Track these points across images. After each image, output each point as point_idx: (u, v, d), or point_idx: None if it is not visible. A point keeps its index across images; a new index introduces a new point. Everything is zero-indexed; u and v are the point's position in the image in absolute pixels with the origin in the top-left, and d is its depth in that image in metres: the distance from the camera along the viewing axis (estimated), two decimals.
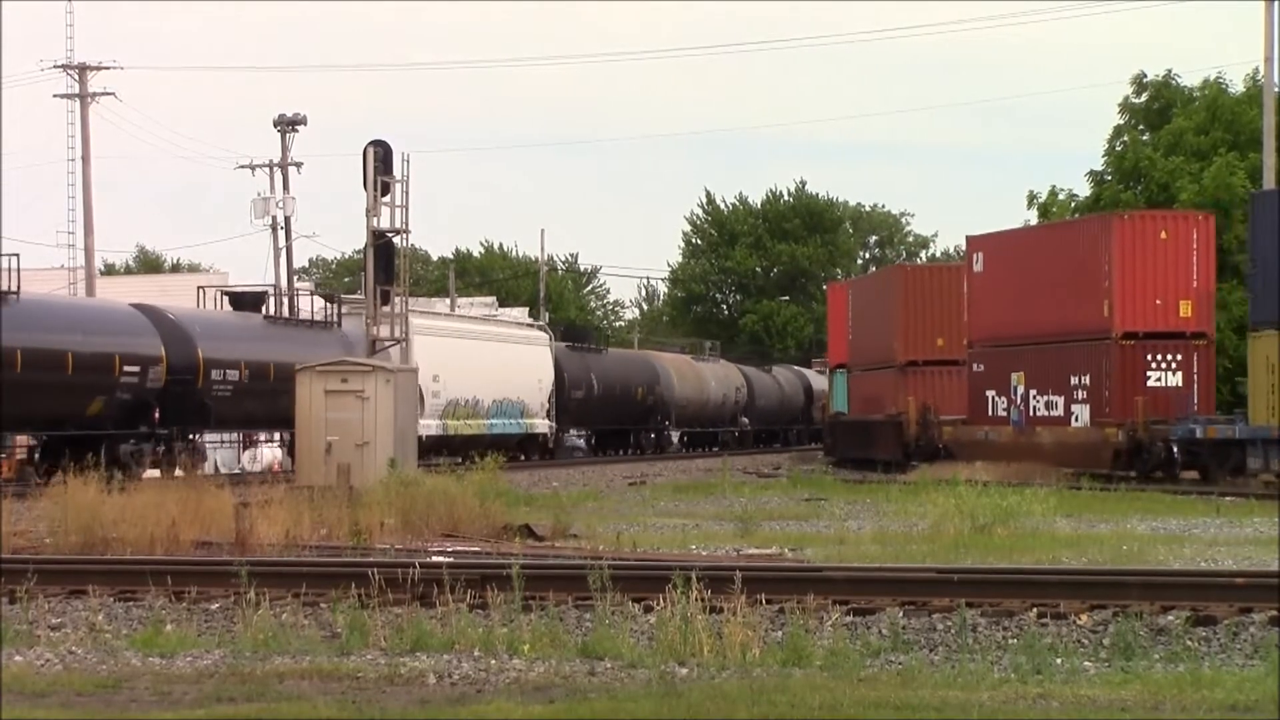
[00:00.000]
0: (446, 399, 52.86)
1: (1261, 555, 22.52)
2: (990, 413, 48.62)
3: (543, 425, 59.45)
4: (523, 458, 55.78)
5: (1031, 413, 46.75)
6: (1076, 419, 44.87)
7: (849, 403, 62.00)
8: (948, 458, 48.43)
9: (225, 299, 48.55)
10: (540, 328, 64.61)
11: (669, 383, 71.15)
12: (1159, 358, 43.30)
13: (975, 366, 49.66)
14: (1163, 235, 43.43)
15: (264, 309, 48.21)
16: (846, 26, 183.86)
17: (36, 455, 40.20)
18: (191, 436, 43.38)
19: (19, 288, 37.74)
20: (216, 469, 50.10)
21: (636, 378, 68.11)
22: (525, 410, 58.40)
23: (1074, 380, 44.92)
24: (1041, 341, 46.24)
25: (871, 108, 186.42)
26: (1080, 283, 44.36)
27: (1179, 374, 43.16)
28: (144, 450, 41.01)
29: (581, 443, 68.63)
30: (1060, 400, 45.52)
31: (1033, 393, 46.79)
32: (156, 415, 41.50)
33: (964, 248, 53.28)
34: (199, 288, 50.27)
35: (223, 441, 53.06)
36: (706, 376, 76.26)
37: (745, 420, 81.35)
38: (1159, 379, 43.17)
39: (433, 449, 49.67)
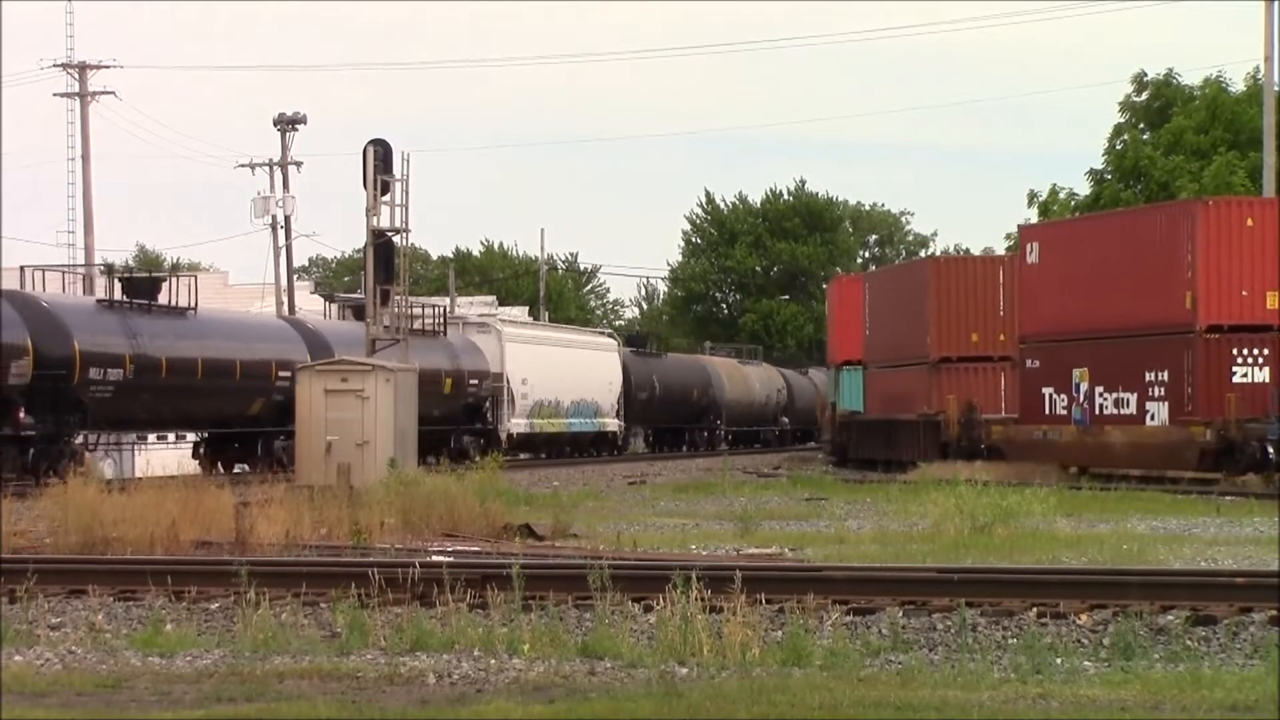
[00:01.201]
0: (533, 400, 58.93)
1: (1261, 555, 22.51)
2: (1047, 411, 45.85)
3: (613, 424, 66.19)
4: (594, 453, 62.98)
5: (1097, 411, 44.03)
6: (1153, 417, 42.19)
7: (865, 401, 59.48)
8: (994, 458, 46.28)
9: (349, 310, 52.83)
10: (609, 335, 71.68)
11: (720, 385, 77.10)
12: (1245, 352, 40.74)
13: (1029, 363, 46.87)
14: (1249, 223, 41.08)
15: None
16: (846, 26, 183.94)
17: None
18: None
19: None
20: None
21: (692, 380, 74.63)
22: (598, 410, 64.73)
23: (1149, 376, 42.26)
24: (1109, 336, 43.42)
25: (871, 107, 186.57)
26: (1156, 273, 41.89)
27: (1265, 369, 40.60)
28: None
29: (640, 440, 74.86)
30: (1132, 398, 42.87)
31: (1099, 390, 44.00)
32: None
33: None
34: (343, 306, 54.86)
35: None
36: (752, 379, 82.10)
37: (785, 420, 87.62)
38: (1245, 374, 40.61)
39: (521, 445, 57.10)
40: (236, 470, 43.92)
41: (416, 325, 50.47)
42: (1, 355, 35.61)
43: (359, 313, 49.24)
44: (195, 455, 46.15)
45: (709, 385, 76.20)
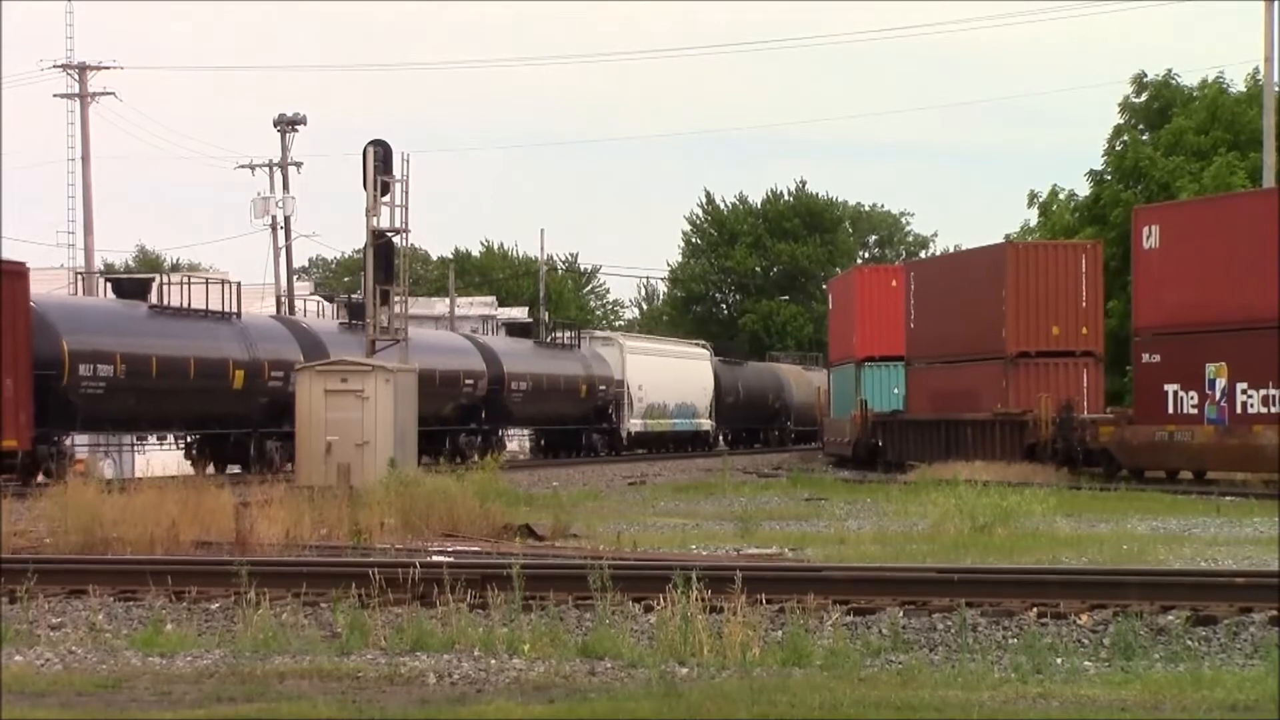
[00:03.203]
0: (647, 404, 68.39)
1: (1261, 555, 22.51)
2: (1173, 410, 41.18)
3: (707, 424, 75.30)
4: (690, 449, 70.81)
5: (1240, 409, 39.61)
6: None
7: (908, 400, 55.57)
8: (1101, 463, 43.32)
9: (504, 330, 59.74)
10: (702, 345, 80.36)
11: (789, 389, 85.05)
12: None
13: (1147, 357, 42.49)
14: None
15: (534, 336, 65.01)
16: (847, 27, 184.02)
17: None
18: (501, 433, 58.36)
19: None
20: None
21: (767, 385, 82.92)
22: (695, 412, 74.18)
23: None
24: (1255, 326, 39.05)
25: (871, 107, 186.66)
26: None
27: None
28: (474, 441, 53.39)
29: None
30: None
31: (1240, 386, 39.57)
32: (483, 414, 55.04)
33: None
34: (503, 322, 61.73)
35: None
36: (815, 382, 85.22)
37: None
38: None
39: (636, 442, 67.07)
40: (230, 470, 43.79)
41: (556, 340, 63.56)
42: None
43: (519, 331, 58.02)
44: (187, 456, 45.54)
45: (781, 390, 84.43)
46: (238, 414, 43.71)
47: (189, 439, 44.79)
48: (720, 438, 77.09)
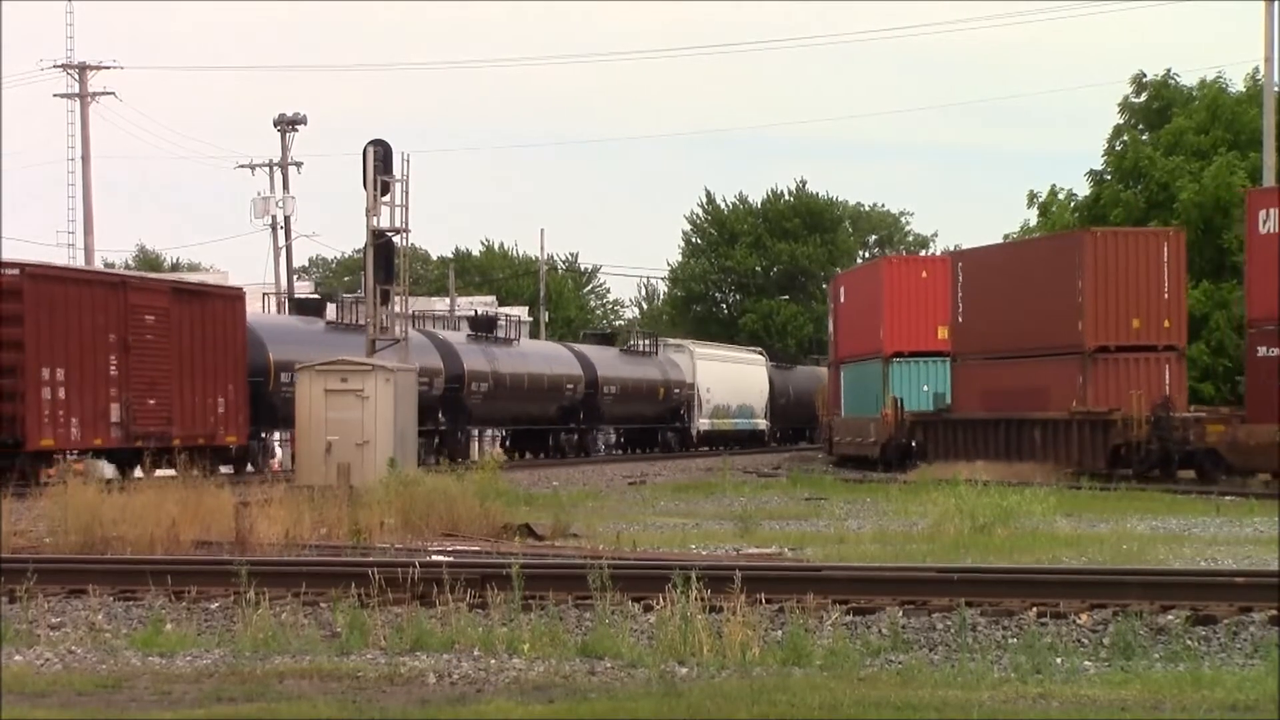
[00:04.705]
0: (713, 405, 75.62)
1: (1261, 555, 22.51)
2: None
3: (763, 424, 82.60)
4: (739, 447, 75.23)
5: None
6: None
7: (955, 398, 52.49)
8: (1201, 466, 41.38)
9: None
10: (759, 352, 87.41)
11: None
12: None
13: (1262, 350, 39.63)
14: None
15: (620, 344, 71.67)
16: (847, 26, 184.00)
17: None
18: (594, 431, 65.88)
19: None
20: None
21: (813, 387, 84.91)
22: (753, 413, 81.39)
23: None
24: None
25: (872, 107, 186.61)
26: None
27: None
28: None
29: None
30: None
31: None
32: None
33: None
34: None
35: None
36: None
37: None
38: None
39: (703, 440, 73.98)
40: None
41: (635, 347, 71.84)
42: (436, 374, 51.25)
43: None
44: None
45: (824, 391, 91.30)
46: None
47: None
48: (773, 435, 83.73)
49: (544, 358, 61.81)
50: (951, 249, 68.98)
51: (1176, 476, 41.42)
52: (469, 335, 57.78)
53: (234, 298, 43.81)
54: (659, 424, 72.06)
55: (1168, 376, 44.88)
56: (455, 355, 54.21)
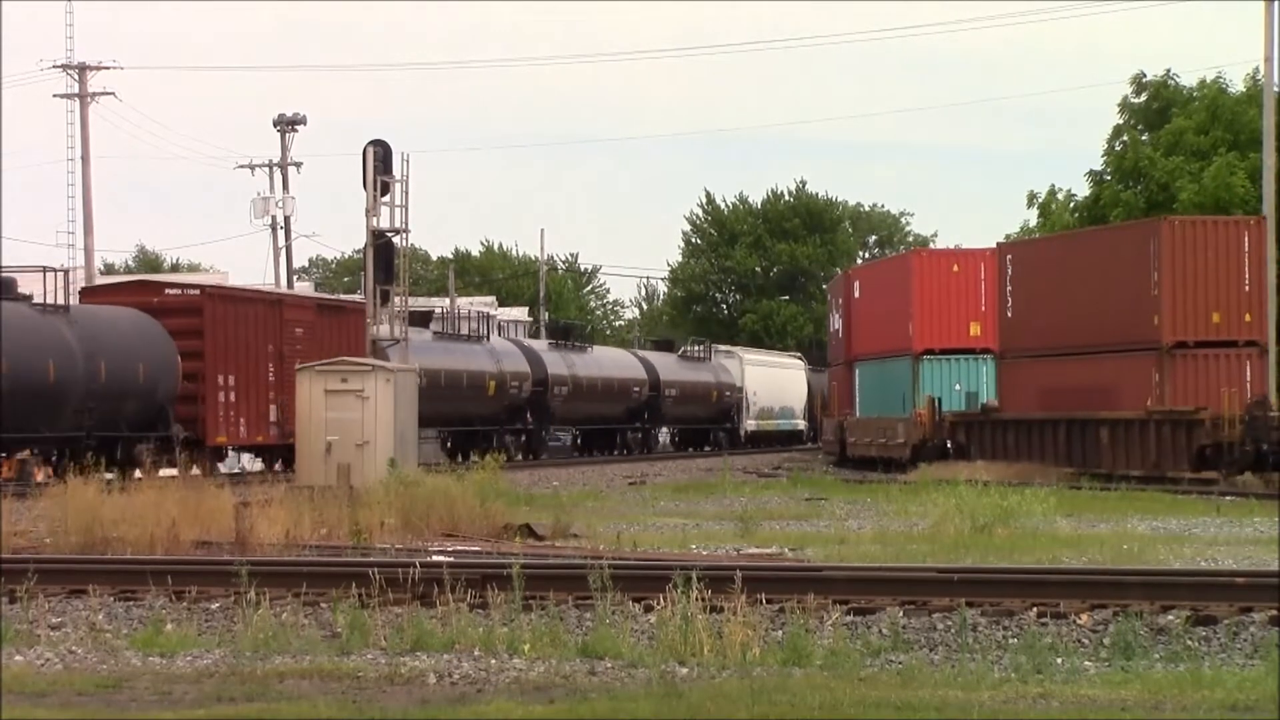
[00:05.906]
0: (759, 407, 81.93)
1: (1261, 555, 22.51)
2: None
3: (802, 424, 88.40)
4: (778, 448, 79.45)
5: None
6: None
7: (1001, 397, 50.17)
8: None
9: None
10: (798, 355, 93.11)
11: None
12: None
13: None
14: None
15: (677, 351, 77.42)
16: (846, 26, 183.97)
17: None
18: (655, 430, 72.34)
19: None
20: None
21: None
22: (793, 414, 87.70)
23: None
24: None
25: (872, 108, 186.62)
26: None
27: None
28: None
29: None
30: None
31: None
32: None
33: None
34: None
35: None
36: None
37: None
38: None
39: (750, 440, 79.10)
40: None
41: (691, 353, 77.61)
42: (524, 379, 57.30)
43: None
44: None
45: None
46: (487, 414, 56.31)
47: (443, 433, 55.05)
48: (810, 435, 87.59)
49: (614, 363, 68.11)
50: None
51: (1275, 480, 38.75)
52: (550, 343, 64.52)
53: (360, 310, 47.13)
54: (711, 424, 78.17)
55: (1249, 374, 42.56)
56: (540, 361, 59.60)
